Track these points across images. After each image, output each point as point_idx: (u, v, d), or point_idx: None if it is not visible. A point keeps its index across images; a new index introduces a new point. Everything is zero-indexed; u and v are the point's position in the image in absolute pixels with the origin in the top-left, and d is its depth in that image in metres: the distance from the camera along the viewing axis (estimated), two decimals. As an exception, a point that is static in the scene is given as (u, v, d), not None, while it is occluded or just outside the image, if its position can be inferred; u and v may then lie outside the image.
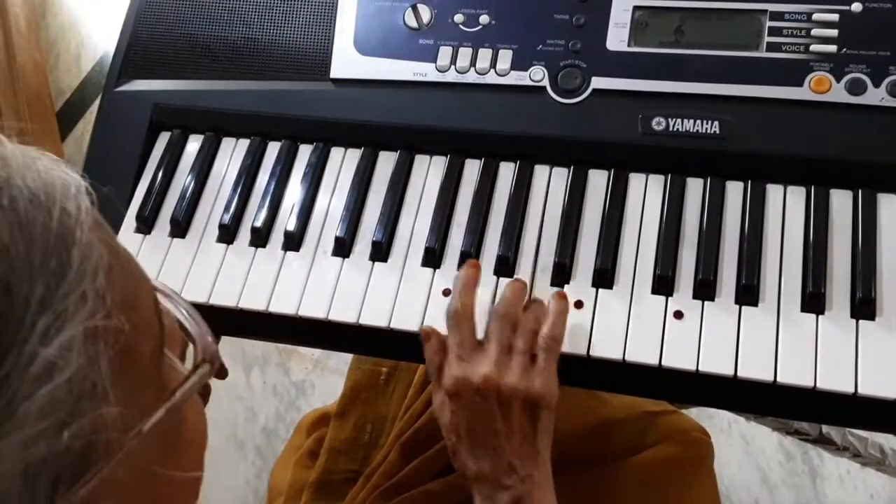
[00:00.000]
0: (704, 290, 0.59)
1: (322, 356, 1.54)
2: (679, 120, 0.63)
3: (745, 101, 0.62)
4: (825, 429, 1.01)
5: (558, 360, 0.57)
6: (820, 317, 0.57)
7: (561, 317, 0.58)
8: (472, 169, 0.68)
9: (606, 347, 0.58)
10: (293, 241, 0.67)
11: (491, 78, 0.68)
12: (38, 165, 0.28)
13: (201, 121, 0.74)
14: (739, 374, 0.56)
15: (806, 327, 0.56)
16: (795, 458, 1.35)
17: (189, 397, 0.33)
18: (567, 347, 0.59)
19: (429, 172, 0.69)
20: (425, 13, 0.71)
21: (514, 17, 0.69)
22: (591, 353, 0.59)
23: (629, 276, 0.61)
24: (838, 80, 0.61)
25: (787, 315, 0.57)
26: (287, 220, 0.68)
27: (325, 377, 1.53)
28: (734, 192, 0.62)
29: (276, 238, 0.68)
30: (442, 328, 0.59)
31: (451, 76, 0.69)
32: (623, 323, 0.59)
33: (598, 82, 0.66)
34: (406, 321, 0.62)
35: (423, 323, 0.61)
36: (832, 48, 0.62)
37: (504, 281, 0.62)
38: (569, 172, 0.66)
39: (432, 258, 0.64)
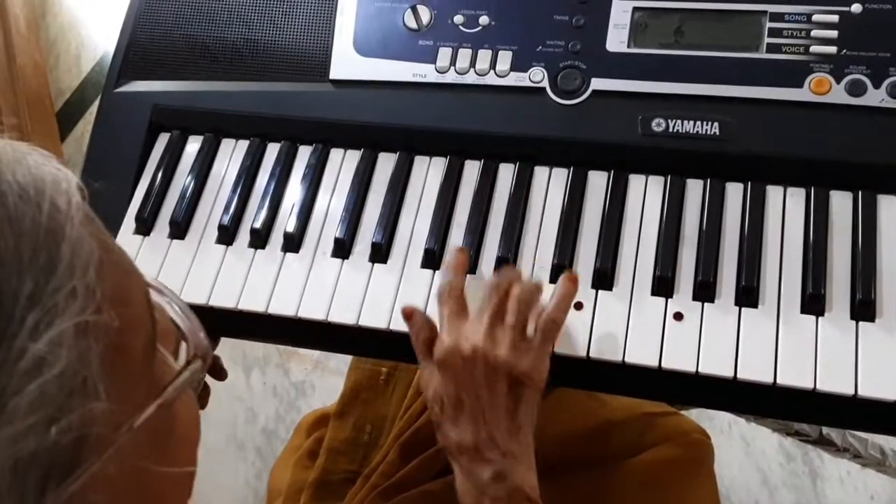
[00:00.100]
0: (704, 291, 0.59)
1: (322, 357, 1.54)
2: (679, 121, 0.63)
3: (744, 103, 0.62)
4: (825, 430, 1.00)
5: (552, 347, 0.57)
6: (820, 318, 0.57)
7: (566, 300, 0.58)
8: (472, 170, 0.68)
9: (606, 349, 0.58)
10: (293, 243, 0.67)
11: (490, 79, 0.68)
12: (29, 161, 0.28)
13: (201, 122, 0.74)
14: (739, 375, 0.56)
15: (806, 329, 0.56)
16: (796, 460, 1.35)
17: (181, 393, 0.33)
18: (566, 349, 0.59)
19: (428, 173, 0.69)
20: (425, 14, 0.71)
21: (514, 18, 0.69)
22: (590, 354, 0.58)
23: (629, 278, 0.61)
24: (838, 82, 0.61)
25: (786, 316, 0.57)
26: (286, 221, 0.68)
27: (325, 378, 1.53)
28: (734, 193, 0.62)
29: (276, 239, 0.68)
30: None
31: (450, 77, 0.69)
32: (623, 324, 0.59)
33: (597, 83, 0.66)
34: (405, 323, 0.62)
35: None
36: (832, 49, 0.62)
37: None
38: (568, 173, 0.66)
39: (432, 259, 0.64)
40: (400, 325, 0.62)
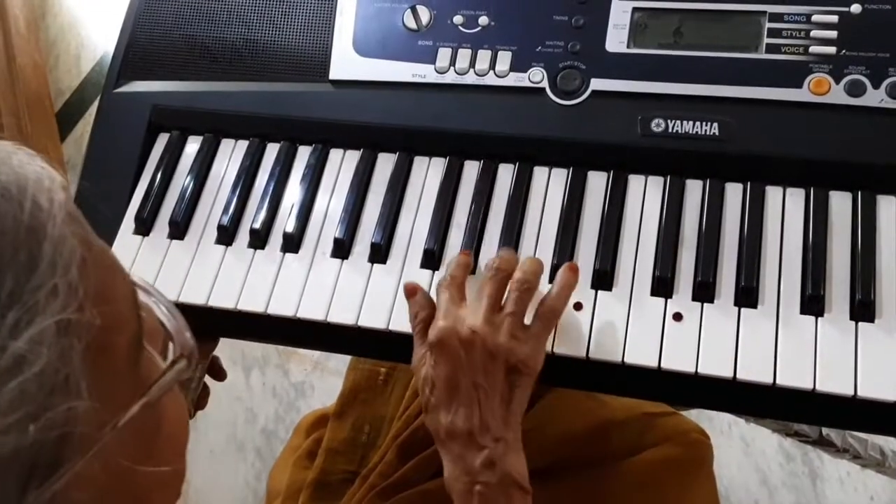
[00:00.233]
0: (704, 291, 0.59)
1: (321, 357, 1.54)
2: (678, 121, 0.63)
3: (744, 103, 0.62)
4: (825, 430, 1.00)
5: (549, 335, 0.57)
6: (819, 319, 0.56)
7: (566, 289, 0.58)
8: (472, 170, 0.68)
9: (605, 349, 0.58)
10: (292, 243, 0.67)
11: (490, 79, 0.68)
12: (13, 160, 0.28)
13: (200, 122, 0.74)
14: (739, 376, 0.56)
15: (805, 329, 0.56)
16: (795, 460, 1.35)
17: (166, 393, 0.33)
18: (566, 349, 0.59)
19: (428, 174, 0.68)
20: (424, 14, 0.71)
21: (514, 18, 0.69)
22: (590, 354, 0.58)
23: (628, 278, 0.61)
24: (837, 82, 0.61)
25: (786, 317, 0.57)
26: (286, 221, 0.68)
27: (325, 378, 1.53)
28: (733, 193, 0.62)
29: (275, 239, 0.68)
30: None
31: (450, 77, 0.69)
32: (622, 325, 0.59)
33: (597, 84, 0.66)
34: (405, 323, 0.62)
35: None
36: (831, 50, 0.62)
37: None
38: (568, 174, 0.66)
39: (431, 260, 0.64)
40: (399, 326, 0.62)
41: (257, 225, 0.68)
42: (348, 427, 0.82)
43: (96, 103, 0.78)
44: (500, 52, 0.68)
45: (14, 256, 0.26)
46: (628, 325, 0.59)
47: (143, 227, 0.71)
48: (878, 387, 0.54)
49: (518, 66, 0.67)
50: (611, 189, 0.64)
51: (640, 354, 0.58)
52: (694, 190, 0.63)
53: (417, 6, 0.71)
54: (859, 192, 0.60)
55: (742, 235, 0.60)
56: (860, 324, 0.56)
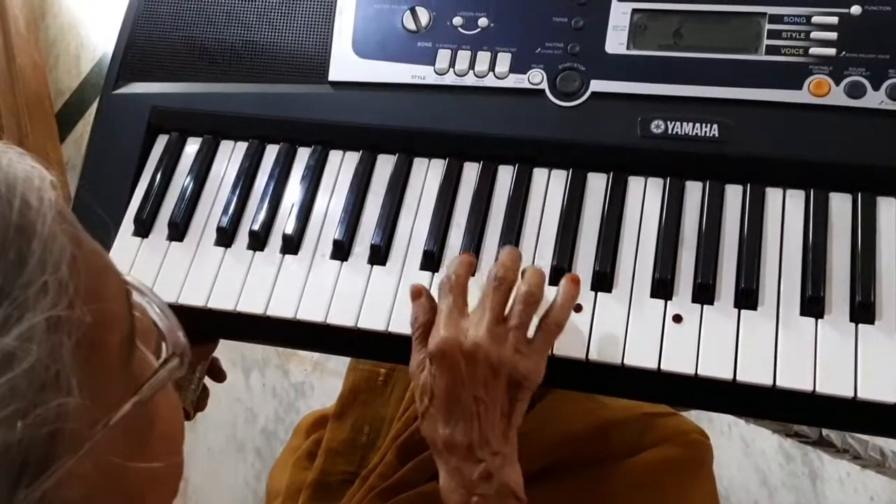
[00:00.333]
0: (703, 293, 0.59)
1: (321, 358, 1.54)
2: (678, 123, 0.63)
3: (744, 105, 0.62)
4: (825, 431, 1.00)
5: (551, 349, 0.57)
6: (819, 320, 0.56)
7: (569, 302, 0.57)
8: (471, 172, 0.68)
9: (605, 351, 0.58)
10: (291, 245, 0.67)
11: (489, 81, 0.68)
12: (2, 159, 0.28)
13: (199, 123, 0.74)
14: (738, 378, 0.56)
15: (805, 331, 0.56)
16: (795, 460, 1.35)
17: (158, 391, 0.33)
18: (566, 351, 0.59)
19: (427, 175, 0.68)
20: (424, 16, 0.71)
21: (513, 19, 0.69)
22: (589, 356, 0.58)
23: (628, 280, 0.61)
24: (837, 83, 0.61)
25: (786, 319, 0.57)
26: (285, 223, 0.68)
27: (325, 379, 1.53)
28: (733, 195, 0.62)
29: (275, 241, 0.68)
30: None
31: (449, 79, 0.69)
32: (622, 326, 0.59)
33: (596, 85, 0.65)
34: (405, 325, 0.62)
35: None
36: (831, 51, 0.61)
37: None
38: (567, 175, 0.66)
39: (431, 261, 0.64)
40: (398, 328, 0.62)
41: (257, 226, 0.68)
42: (348, 428, 0.82)
43: (96, 104, 0.77)
44: (499, 54, 0.68)
45: (3, 254, 0.26)
46: (628, 326, 0.59)
47: (143, 228, 0.71)
48: (878, 388, 0.54)
49: (517, 67, 0.67)
50: (610, 190, 0.64)
51: (640, 356, 0.58)
52: (694, 191, 0.63)
53: (417, 7, 0.71)
54: (859, 194, 0.60)
55: (742, 237, 0.60)
56: (860, 325, 0.56)
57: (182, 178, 0.72)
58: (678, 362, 0.57)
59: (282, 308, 0.65)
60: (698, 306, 0.59)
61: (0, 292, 0.25)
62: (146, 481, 0.33)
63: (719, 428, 1.36)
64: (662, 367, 0.57)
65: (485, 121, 0.67)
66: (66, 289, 0.27)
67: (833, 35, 0.62)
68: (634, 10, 0.66)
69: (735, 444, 1.36)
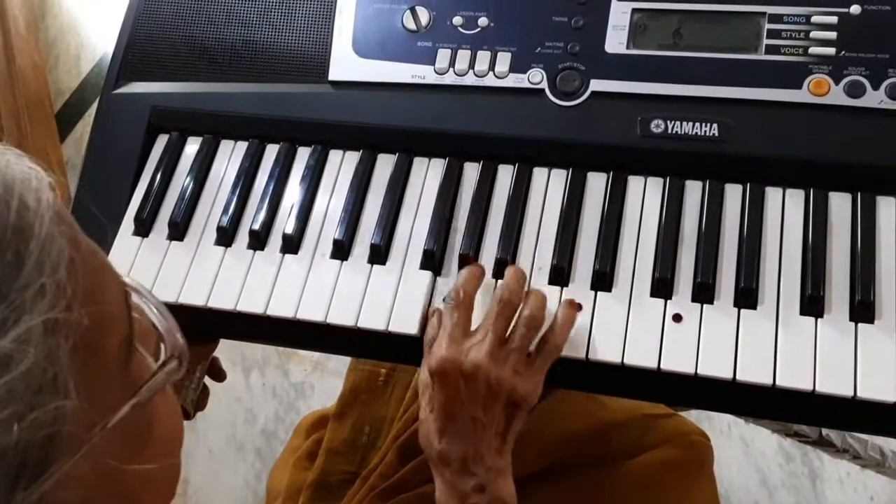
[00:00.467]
0: (703, 292, 0.59)
1: (321, 358, 1.54)
2: (678, 122, 0.63)
3: (743, 104, 0.62)
4: (825, 431, 1.00)
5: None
6: (819, 320, 0.56)
7: (568, 326, 0.58)
8: (471, 171, 0.68)
9: (605, 350, 0.58)
10: (291, 244, 0.67)
11: (489, 80, 0.68)
12: (0, 160, 0.28)
13: (199, 123, 0.74)
14: (738, 377, 0.56)
15: (805, 330, 0.56)
16: (795, 460, 1.35)
17: (156, 394, 0.33)
18: (566, 350, 0.59)
19: (427, 175, 0.68)
20: (424, 15, 0.71)
21: (513, 19, 0.69)
22: (589, 356, 0.58)
23: (628, 279, 0.61)
24: (837, 83, 0.61)
25: (785, 318, 0.57)
26: (285, 222, 0.68)
27: (325, 379, 1.53)
28: (733, 194, 0.62)
29: (275, 241, 0.68)
30: None
31: (449, 78, 0.69)
32: (622, 326, 0.59)
33: (596, 85, 0.66)
34: (404, 324, 0.62)
35: (421, 326, 0.61)
36: (831, 50, 0.62)
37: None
38: (567, 175, 0.66)
39: (431, 261, 0.64)
40: (398, 327, 0.62)
41: (257, 226, 0.68)
42: (348, 428, 0.83)
43: (96, 104, 0.77)
44: (499, 53, 0.68)
45: (0, 256, 0.26)
46: (628, 325, 0.59)
47: (143, 228, 0.71)
48: (878, 388, 0.54)
49: (517, 67, 0.67)
50: (610, 190, 0.64)
51: (640, 355, 0.58)
52: (693, 191, 0.63)
53: (417, 7, 0.71)
54: (859, 194, 0.60)
55: (742, 236, 0.60)
56: (860, 325, 0.56)
57: (182, 178, 0.72)
58: (678, 361, 0.57)
59: (282, 307, 0.65)
60: (698, 305, 0.59)
61: None
62: (143, 484, 0.33)
63: (719, 428, 1.36)
64: (662, 366, 0.57)
65: (485, 120, 0.67)
66: (63, 291, 0.27)
67: (833, 34, 0.62)
68: (634, 10, 0.66)
69: (735, 445, 1.36)
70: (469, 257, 0.63)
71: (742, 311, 0.58)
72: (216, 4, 0.76)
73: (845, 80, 0.61)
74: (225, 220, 0.69)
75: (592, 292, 0.61)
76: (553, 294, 0.61)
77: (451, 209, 0.66)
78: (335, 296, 0.64)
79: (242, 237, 0.69)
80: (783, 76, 0.62)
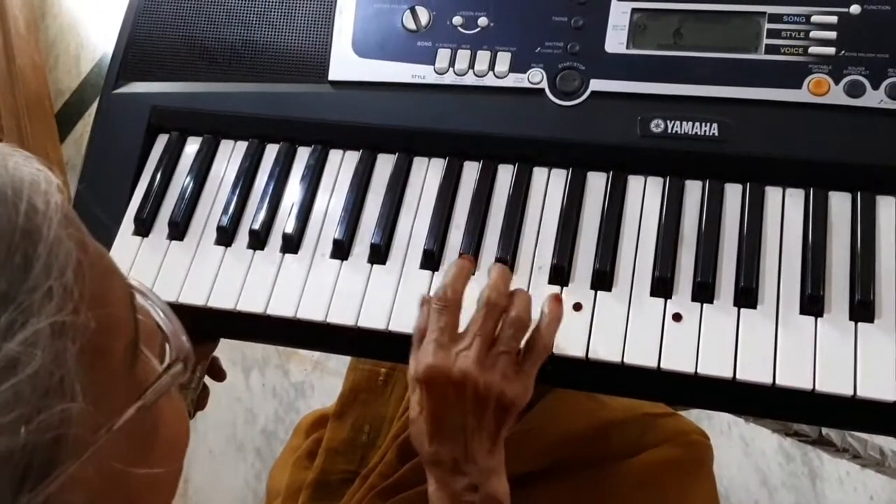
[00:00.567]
0: (703, 292, 0.59)
1: (321, 358, 1.54)
2: (678, 122, 0.63)
3: (743, 104, 0.62)
4: (825, 430, 1.01)
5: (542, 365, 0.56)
6: (819, 319, 0.56)
7: (555, 323, 0.57)
8: (471, 171, 0.68)
9: (605, 350, 0.58)
10: (291, 244, 0.67)
11: (489, 80, 0.68)
12: (9, 162, 0.28)
13: (199, 123, 0.74)
14: (738, 376, 0.56)
15: (805, 330, 0.56)
16: (795, 460, 1.35)
17: (162, 396, 0.33)
18: (565, 350, 0.59)
19: (427, 175, 0.68)
20: (423, 15, 0.71)
21: (513, 19, 0.69)
22: (589, 355, 0.58)
23: (628, 279, 0.61)
24: (837, 83, 0.61)
25: (785, 317, 0.57)
26: (285, 222, 0.68)
27: (325, 379, 1.53)
28: (733, 194, 0.62)
29: (275, 240, 0.68)
30: None
31: (449, 78, 0.69)
32: (622, 325, 0.59)
33: (596, 84, 0.66)
34: (404, 323, 0.62)
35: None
36: (831, 50, 0.62)
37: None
38: (567, 174, 0.66)
39: (431, 260, 0.64)
40: (398, 326, 0.62)
41: (257, 226, 0.68)
42: (348, 427, 0.83)
43: (96, 104, 0.77)
44: (499, 53, 0.68)
45: (8, 259, 0.26)
46: (628, 325, 0.59)
47: (143, 227, 0.71)
48: (878, 387, 0.54)
49: (517, 66, 0.67)
50: (610, 189, 0.64)
51: (640, 355, 0.58)
52: (693, 190, 0.63)
53: (416, 7, 0.71)
54: (859, 193, 0.60)
55: (741, 236, 0.60)
56: (860, 324, 0.56)
57: (182, 178, 0.72)
58: (678, 361, 0.57)
59: (282, 307, 0.65)
60: (698, 305, 0.59)
61: (5, 297, 0.25)
62: (147, 486, 0.33)
63: (719, 427, 1.36)
64: (662, 365, 0.57)
65: (484, 120, 0.67)
66: (70, 294, 0.27)
67: (832, 34, 0.62)
68: (634, 10, 0.66)
69: (735, 444, 1.36)
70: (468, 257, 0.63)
71: (742, 310, 0.58)
72: (216, 4, 0.76)
73: (845, 79, 0.61)
74: (225, 219, 0.69)
75: (592, 292, 0.61)
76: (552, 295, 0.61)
77: (450, 209, 0.66)
78: (335, 295, 0.64)
79: (242, 237, 0.69)
80: (783, 76, 0.62)
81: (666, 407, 0.79)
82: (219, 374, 0.82)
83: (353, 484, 0.77)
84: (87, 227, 0.31)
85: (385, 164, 0.70)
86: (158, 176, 0.72)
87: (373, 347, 0.65)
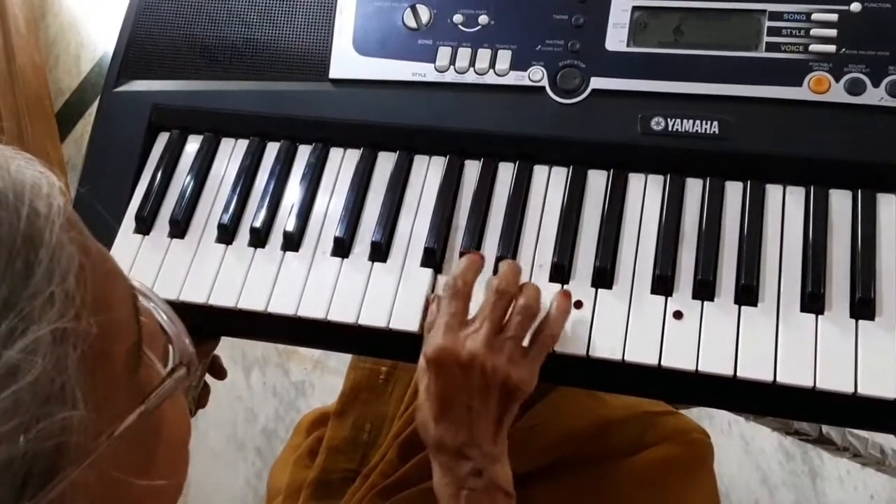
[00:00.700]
0: (704, 290, 0.59)
1: (322, 357, 1.55)
2: (678, 120, 0.63)
3: (744, 101, 0.62)
4: (825, 429, 1.01)
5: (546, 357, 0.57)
6: (819, 317, 0.57)
7: (563, 315, 0.58)
8: (472, 169, 0.68)
9: (606, 347, 0.58)
10: (292, 242, 0.67)
11: (490, 78, 0.68)
12: (11, 165, 0.28)
13: (200, 121, 0.74)
14: (739, 374, 0.56)
15: (805, 327, 0.56)
16: (795, 459, 1.35)
17: (164, 401, 0.32)
18: (566, 348, 0.59)
19: (428, 173, 0.68)
20: (424, 13, 0.71)
21: (513, 17, 0.69)
22: (590, 353, 0.59)
23: (628, 276, 0.61)
24: (837, 80, 0.61)
25: (786, 315, 0.57)
26: (286, 220, 0.68)
27: (325, 378, 1.53)
28: (733, 192, 0.62)
29: (276, 238, 0.68)
30: None
31: (450, 76, 0.69)
32: (622, 323, 0.59)
33: (597, 82, 0.66)
34: (405, 321, 0.62)
35: (422, 324, 0.61)
36: (831, 48, 0.62)
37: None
38: (568, 172, 0.66)
39: (431, 258, 0.64)
40: (399, 324, 0.62)
41: (258, 224, 0.68)
42: (349, 426, 0.83)
43: (96, 103, 0.77)
44: (500, 51, 0.68)
45: (10, 264, 0.25)
46: (628, 323, 0.59)
47: (144, 226, 0.71)
48: (878, 384, 0.54)
49: (518, 64, 0.67)
50: (611, 187, 0.64)
51: (641, 352, 0.58)
52: (694, 188, 0.63)
53: (417, 5, 0.71)
54: (859, 191, 0.60)
55: (742, 234, 0.60)
56: (860, 322, 0.56)
57: (183, 176, 0.72)
58: (679, 359, 0.57)
59: (283, 305, 0.65)
60: (699, 303, 0.59)
61: (6, 304, 0.25)
62: (148, 494, 0.33)
63: (719, 426, 1.36)
64: (663, 363, 0.57)
65: (485, 118, 0.67)
66: (72, 300, 0.27)
67: (833, 32, 0.62)
68: (635, 8, 0.66)
69: (735, 443, 1.36)
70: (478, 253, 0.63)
71: (742, 308, 0.58)
72: (217, 2, 0.76)
73: (846, 77, 0.61)
74: (226, 217, 0.69)
75: (593, 289, 0.61)
76: (554, 292, 0.61)
77: (451, 207, 0.66)
78: (336, 293, 0.64)
79: (243, 235, 0.69)
80: (784, 73, 0.62)
81: (666, 405, 0.79)
82: (219, 373, 0.82)
83: (353, 483, 0.77)
84: (88, 226, 0.31)
85: (386, 163, 0.70)
86: (159, 174, 0.72)
87: (373, 345, 0.66)
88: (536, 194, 0.66)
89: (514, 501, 0.56)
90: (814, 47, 0.62)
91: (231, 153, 0.73)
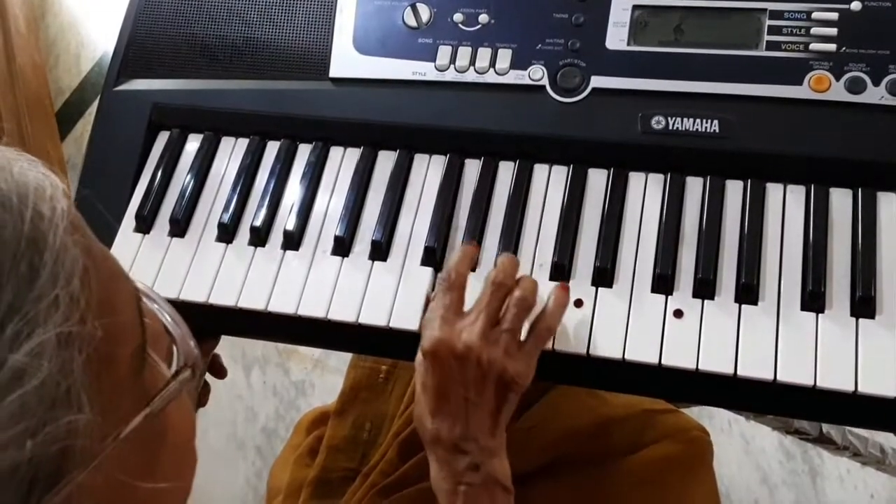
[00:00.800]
0: (704, 288, 0.59)
1: (322, 356, 1.55)
2: (678, 119, 0.63)
3: (744, 100, 0.62)
4: (825, 428, 1.01)
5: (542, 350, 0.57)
6: (820, 315, 0.57)
7: (561, 309, 0.58)
8: (472, 168, 0.68)
9: (606, 346, 0.58)
10: (292, 241, 0.67)
11: (490, 77, 0.68)
12: (14, 167, 0.28)
13: (200, 120, 0.74)
14: (739, 372, 0.56)
15: (806, 326, 0.56)
16: (795, 458, 1.35)
17: (169, 403, 0.32)
18: (566, 346, 0.59)
19: (428, 172, 0.69)
20: (424, 12, 0.71)
21: (514, 16, 0.69)
22: (590, 352, 0.58)
23: (629, 275, 0.61)
24: (838, 79, 0.61)
25: (786, 314, 0.57)
26: (286, 219, 0.68)
27: (325, 377, 1.53)
28: (734, 190, 0.62)
29: (276, 237, 0.68)
30: None
31: (450, 75, 0.69)
32: (623, 322, 0.59)
33: (597, 81, 0.66)
34: (405, 320, 0.62)
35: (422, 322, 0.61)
36: (832, 47, 0.62)
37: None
38: (568, 171, 0.66)
39: (432, 257, 0.64)
40: (399, 323, 0.62)
41: (258, 223, 0.68)
42: (349, 425, 0.83)
43: (96, 102, 0.77)
44: (500, 50, 0.68)
45: (14, 268, 0.25)
46: (629, 321, 0.59)
47: (144, 224, 0.71)
48: (879, 383, 0.54)
49: (518, 63, 0.67)
50: (611, 186, 0.64)
51: (641, 351, 0.58)
52: (694, 187, 0.63)
53: (418, 4, 0.71)
54: (860, 189, 0.60)
55: (742, 232, 0.60)
56: (861, 320, 0.56)
57: (183, 175, 0.72)
58: (679, 357, 0.57)
59: (283, 304, 0.65)
60: (699, 301, 0.59)
61: (11, 307, 0.25)
62: (153, 496, 0.33)
63: (719, 425, 1.36)
64: (663, 362, 0.57)
65: (485, 117, 0.67)
66: (77, 303, 0.27)
67: (833, 31, 0.62)
68: (635, 7, 0.66)
69: (735, 442, 1.36)
70: (472, 243, 0.63)
71: (743, 306, 0.58)
72: (217, 1, 0.76)
73: (846, 76, 0.61)
74: (226, 216, 0.69)
75: (593, 288, 0.61)
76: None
77: (451, 206, 0.66)
78: (336, 292, 0.64)
79: (243, 234, 0.69)
80: (784, 72, 0.62)
81: (666, 403, 0.79)
82: (220, 371, 0.82)
83: (354, 482, 0.77)
84: (89, 226, 0.31)
85: (386, 161, 0.70)
86: (159, 173, 0.72)
87: (373, 344, 0.66)
88: (537, 193, 0.66)
89: (513, 496, 0.55)
90: (814, 46, 0.62)
91: (231, 152, 0.73)
